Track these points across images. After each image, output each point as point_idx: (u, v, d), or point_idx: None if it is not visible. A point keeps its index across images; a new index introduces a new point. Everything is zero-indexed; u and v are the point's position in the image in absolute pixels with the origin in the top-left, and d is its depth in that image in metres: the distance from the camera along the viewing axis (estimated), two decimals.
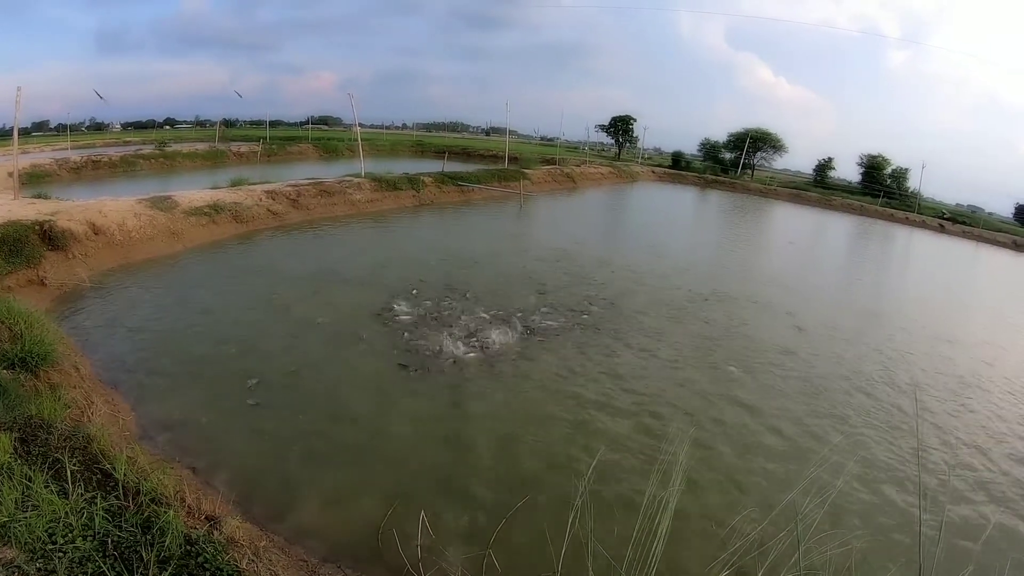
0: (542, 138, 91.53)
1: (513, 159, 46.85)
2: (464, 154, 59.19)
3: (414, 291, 14.07)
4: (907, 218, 53.42)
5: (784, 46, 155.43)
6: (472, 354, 10.81)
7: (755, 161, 73.10)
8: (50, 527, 4.13)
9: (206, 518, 5.16)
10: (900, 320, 17.20)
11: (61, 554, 3.93)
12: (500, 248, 20.94)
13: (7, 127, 40.98)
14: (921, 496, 7.29)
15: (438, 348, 10.89)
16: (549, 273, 17.26)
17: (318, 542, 5.93)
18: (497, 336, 11.62)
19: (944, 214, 56.17)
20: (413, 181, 29.85)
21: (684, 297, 16.36)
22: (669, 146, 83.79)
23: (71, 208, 15.70)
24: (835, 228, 43.42)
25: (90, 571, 3.83)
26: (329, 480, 6.98)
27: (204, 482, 6.50)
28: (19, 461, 4.84)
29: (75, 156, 34.53)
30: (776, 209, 49.72)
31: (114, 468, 5.07)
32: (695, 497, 7.09)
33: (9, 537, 3.97)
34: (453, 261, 17.86)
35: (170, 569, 4.03)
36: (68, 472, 4.76)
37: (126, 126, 72.43)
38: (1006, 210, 64.66)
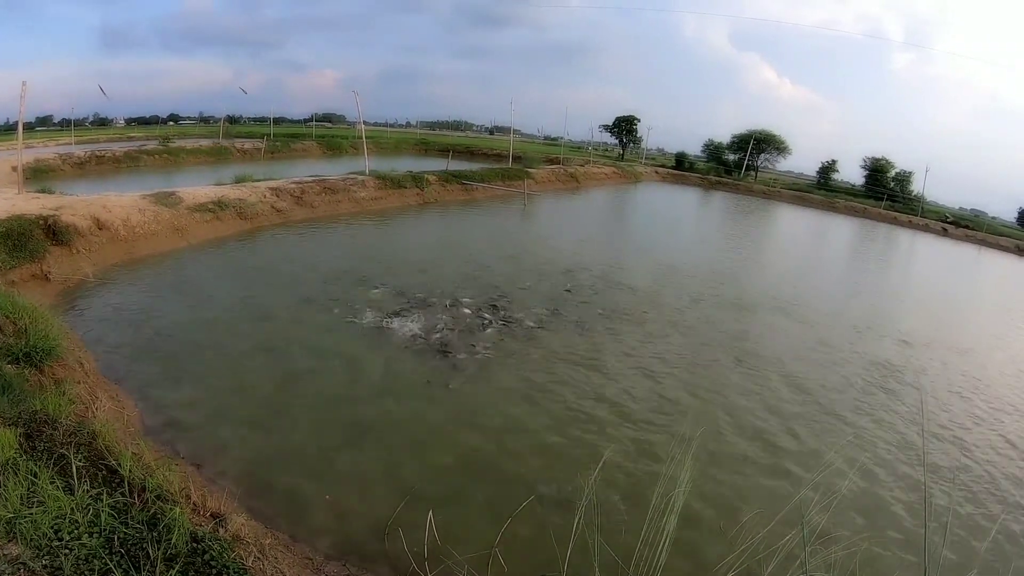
0: (546, 137, 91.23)
1: (517, 158, 46.78)
2: (468, 153, 59.12)
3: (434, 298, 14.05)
4: (910, 221, 53.26)
5: (788, 47, 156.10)
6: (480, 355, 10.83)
7: (759, 163, 72.91)
8: (56, 523, 4.09)
9: (211, 515, 5.13)
10: (909, 326, 17.16)
11: (67, 551, 3.89)
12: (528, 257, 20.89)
13: (11, 122, 40.99)
14: (927, 498, 7.26)
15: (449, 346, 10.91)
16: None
17: (323, 540, 5.91)
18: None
19: (947, 217, 56.00)
20: (417, 179, 29.83)
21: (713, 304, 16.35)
22: (673, 147, 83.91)
23: (75, 203, 15.67)
24: (841, 231, 43.30)
25: (96, 568, 3.80)
26: (335, 477, 6.95)
27: (209, 479, 6.48)
28: (24, 457, 4.80)
29: (79, 151, 34.47)
30: (781, 211, 49.60)
31: (119, 464, 5.03)
32: (703, 497, 7.05)
33: (15, 533, 3.93)
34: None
35: (177, 567, 3.99)
36: (74, 468, 4.72)
37: (130, 122, 72.44)
38: (1009, 214, 64.64)
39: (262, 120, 69.76)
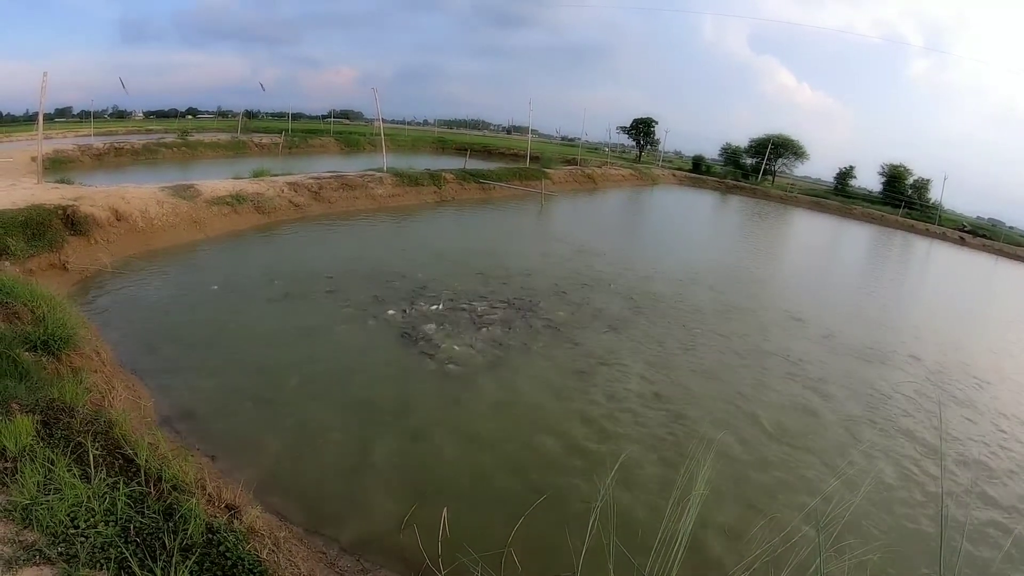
0: (563, 138, 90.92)
1: (534, 158, 46.64)
2: (485, 152, 59.15)
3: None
4: (927, 229, 52.77)
5: (806, 51, 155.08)
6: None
7: (776, 167, 72.54)
8: (72, 511, 4.07)
9: (226, 507, 5.10)
10: (931, 338, 16.99)
11: (83, 539, 3.87)
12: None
13: (31, 112, 41.37)
14: (943, 507, 7.17)
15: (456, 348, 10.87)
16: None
17: (338, 535, 5.89)
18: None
19: (965, 226, 55.43)
20: (435, 177, 29.88)
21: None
22: (690, 150, 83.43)
23: (94, 194, 15.77)
24: (860, 239, 42.95)
25: (112, 557, 3.77)
26: (350, 474, 6.93)
27: (223, 471, 6.46)
28: (41, 444, 4.79)
29: (98, 143, 34.73)
30: (799, 217, 49.26)
31: (136, 454, 5.02)
32: (719, 502, 6.97)
33: (31, 520, 3.92)
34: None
35: (193, 557, 3.96)
36: (90, 456, 4.71)
37: (148, 115, 73.09)
38: None
39: (280, 115, 70.18)
